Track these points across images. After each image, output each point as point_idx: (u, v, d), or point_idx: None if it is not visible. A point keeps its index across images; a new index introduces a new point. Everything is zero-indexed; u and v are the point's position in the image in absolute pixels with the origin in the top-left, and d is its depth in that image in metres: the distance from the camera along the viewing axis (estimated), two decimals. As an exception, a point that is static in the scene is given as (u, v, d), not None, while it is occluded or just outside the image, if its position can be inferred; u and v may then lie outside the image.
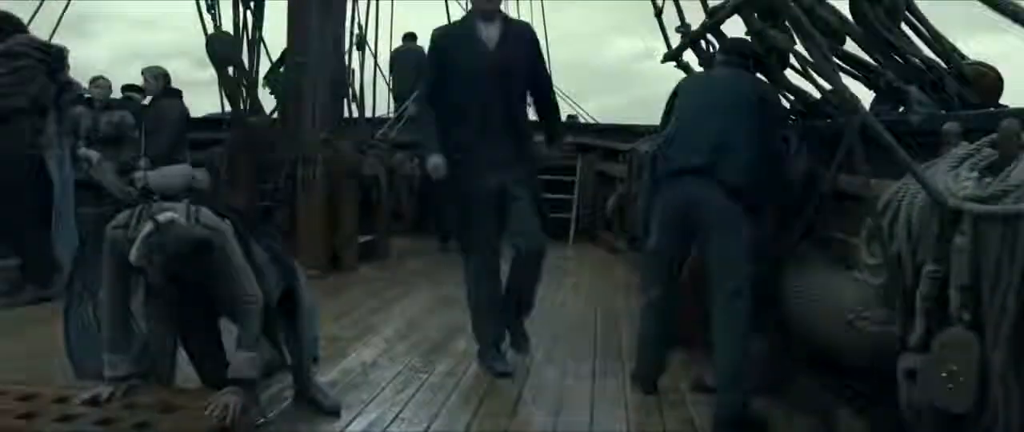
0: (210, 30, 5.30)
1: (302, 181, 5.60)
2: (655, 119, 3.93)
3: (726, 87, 3.27)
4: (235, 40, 5.39)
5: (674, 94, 3.52)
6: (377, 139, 7.13)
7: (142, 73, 5.48)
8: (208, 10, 5.29)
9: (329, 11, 5.78)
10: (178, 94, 5.68)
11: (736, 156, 3.05)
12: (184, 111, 5.54)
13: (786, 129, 3.42)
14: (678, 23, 4.21)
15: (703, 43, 4.06)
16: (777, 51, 3.45)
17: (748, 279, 2.98)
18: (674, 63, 4.48)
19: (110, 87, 6.01)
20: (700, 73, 3.90)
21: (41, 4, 5.94)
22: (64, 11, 6.21)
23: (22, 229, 4.67)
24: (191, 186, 5.36)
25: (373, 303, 4.85)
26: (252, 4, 5.61)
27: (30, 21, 6.20)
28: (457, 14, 11.60)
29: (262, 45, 6.06)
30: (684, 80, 3.63)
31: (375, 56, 8.54)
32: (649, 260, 3.37)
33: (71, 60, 4.67)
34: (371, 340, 4.01)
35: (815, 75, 3.25)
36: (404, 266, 6.54)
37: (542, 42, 3.96)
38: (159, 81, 5.39)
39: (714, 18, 3.75)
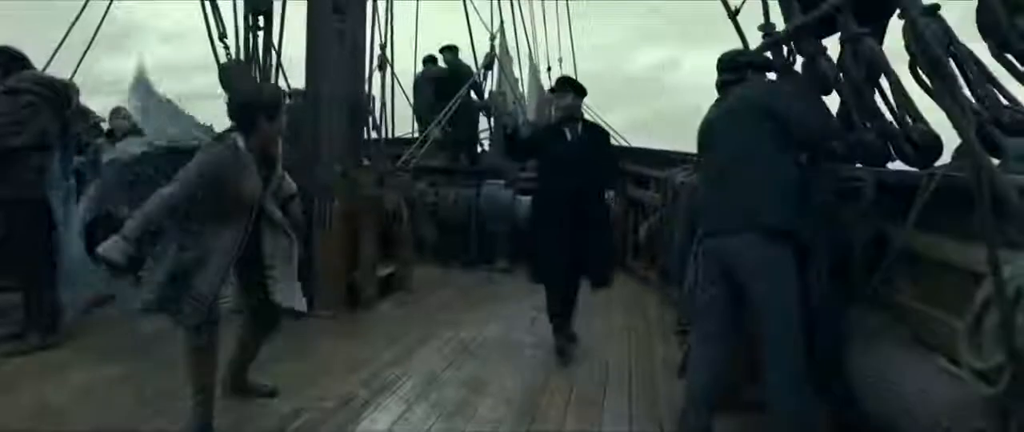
0: (223, 59, 5.05)
1: (318, 216, 5.33)
2: (681, 134, 4.02)
3: (741, 110, 3.02)
4: (246, 68, 5.12)
5: (698, 135, 3.28)
6: (398, 167, 6.82)
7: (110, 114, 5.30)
8: (220, 38, 5.04)
9: (343, 38, 5.49)
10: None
11: (767, 192, 2.83)
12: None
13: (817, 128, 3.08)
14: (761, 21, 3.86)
15: (785, 50, 3.73)
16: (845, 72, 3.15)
17: (799, 328, 2.70)
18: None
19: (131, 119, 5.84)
20: (719, 101, 3.61)
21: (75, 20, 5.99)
22: (97, 29, 6.18)
23: (27, 271, 4.46)
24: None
25: (391, 353, 4.54)
26: (263, 30, 5.34)
27: (66, 36, 6.29)
28: (479, 34, 11.47)
29: (280, 72, 5.81)
30: (709, 112, 3.31)
31: (394, 76, 8.31)
32: (701, 313, 3.10)
33: (108, 74, 4.52)
34: (387, 402, 3.70)
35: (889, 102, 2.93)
36: (426, 301, 6.25)
37: (568, 52, 4.86)
38: (128, 121, 5.19)
39: (807, 17, 3.39)
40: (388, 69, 9.20)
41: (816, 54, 3.39)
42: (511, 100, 12.09)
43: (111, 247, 2.78)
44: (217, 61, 5.09)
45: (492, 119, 11.19)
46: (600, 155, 4.65)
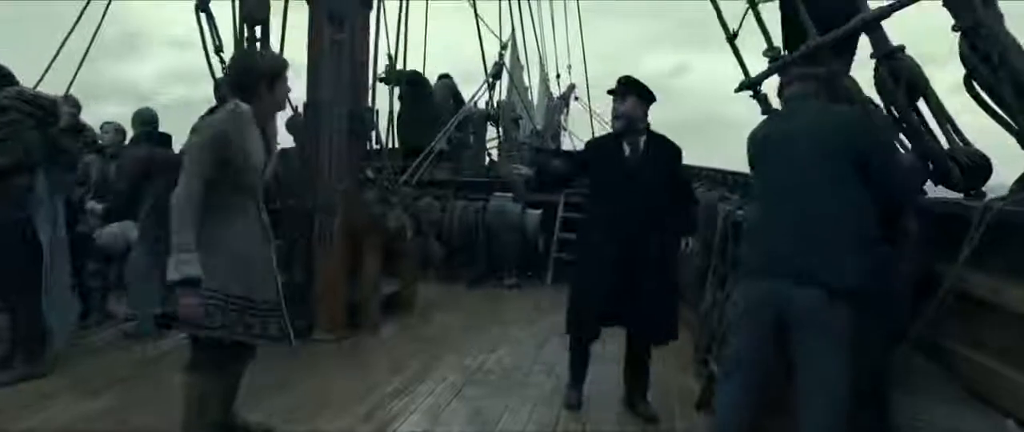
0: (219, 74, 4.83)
1: (319, 235, 5.10)
2: (690, 141, 3.75)
3: (808, 133, 2.65)
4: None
5: (750, 146, 2.99)
6: (402, 186, 6.57)
7: (101, 128, 5.09)
8: (217, 52, 4.83)
9: (342, 49, 5.27)
10: (150, 139, 5.14)
11: (838, 240, 2.48)
12: (145, 157, 4.93)
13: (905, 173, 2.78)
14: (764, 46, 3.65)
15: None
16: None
17: (846, 402, 2.40)
18: (750, 93, 3.93)
19: (124, 133, 5.67)
20: (776, 115, 3.28)
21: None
22: (94, 35, 6.02)
23: (11, 296, 4.25)
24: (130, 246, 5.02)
25: (394, 383, 4.29)
26: (259, 41, 5.13)
27: (64, 42, 6.14)
28: (489, 42, 11.31)
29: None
30: (758, 128, 3.01)
31: (401, 85, 8.10)
32: (739, 356, 2.77)
33: (118, 81, 4.37)
34: (388, 443, 3.46)
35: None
36: (431, 322, 6.01)
37: (577, 59, 4.59)
38: (116, 135, 4.99)
39: (824, 39, 3.14)
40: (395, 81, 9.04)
41: (839, 74, 3.15)
42: (519, 109, 11.89)
43: (184, 265, 2.56)
44: (212, 75, 4.87)
45: (500, 129, 11.00)
46: (668, 178, 3.75)
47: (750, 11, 3.64)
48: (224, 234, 2.74)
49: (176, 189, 2.65)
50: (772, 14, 3.61)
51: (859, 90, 3.11)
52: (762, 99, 3.98)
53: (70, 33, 6.06)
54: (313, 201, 5.15)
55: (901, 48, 3.01)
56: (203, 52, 4.86)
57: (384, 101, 7.32)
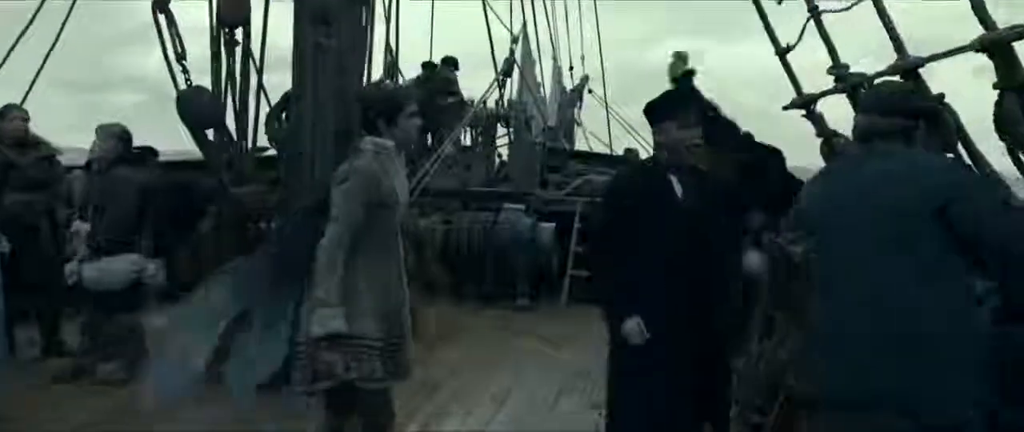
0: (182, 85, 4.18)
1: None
2: None
3: (897, 199, 1.92)
4: (207, 93, 4.25)
5: (806, 208, 2.31)
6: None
7: (96, 132, 4.38)
8: (178, 60, 4.17)
9: (329, 54, 4.59)
10: (140, 158, 4.53)
11: (937, 357, 1.82)
12: (144, 184, 4.35)
13: None
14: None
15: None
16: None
17: None
18: (802, 112, 3.27)
19: (125, 140, 5.07)
20: (844, 162, 2.57)
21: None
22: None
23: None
24: (138, 281, 4.31)
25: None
26: (239, 46, 4.49)
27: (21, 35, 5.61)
28: (499, 35, 10.64)
29: (262, 95, 4.94)
30: (817, 183, 2.33)
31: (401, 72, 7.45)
32: None
33: (129, 69, 3.78)
34: None
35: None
36: (435, 358, 5.34)
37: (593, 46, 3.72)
38: (115, 143, 4.29)
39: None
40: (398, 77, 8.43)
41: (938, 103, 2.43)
42: (531, 108, 11.26)
43: (328, 320, 2.52)
44: (175, 86, 4.23)
45: (512, 129, 10.35)
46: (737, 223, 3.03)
47: (811, 20, 2.95)
48: (370, 276, 2.68)
49: (322, 239, 2.58)
50: (839, 26, 2.90)
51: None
52: (817, 119, 3.31)
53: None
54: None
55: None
56: (164, 59, 4.19)
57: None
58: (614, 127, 14.01)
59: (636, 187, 2.94)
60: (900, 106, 2.06)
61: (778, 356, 3.92)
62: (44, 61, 6.07)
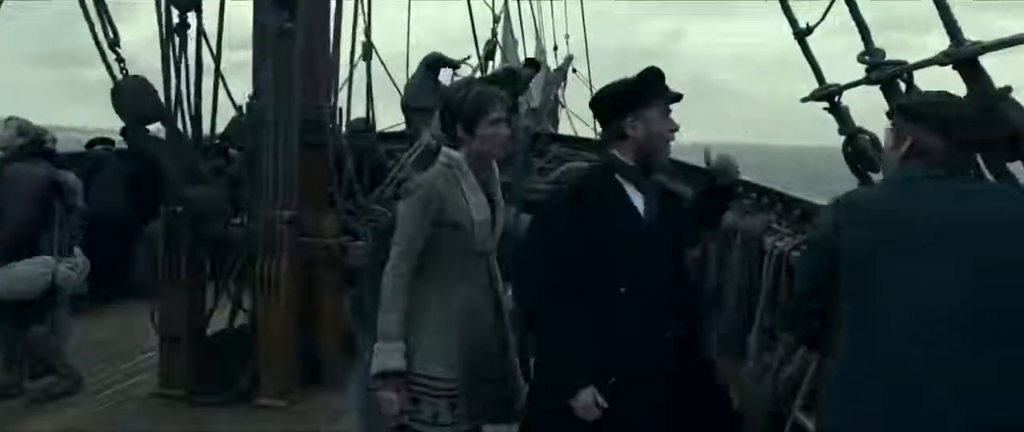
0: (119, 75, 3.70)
1: (260, 279, 4.04)
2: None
3: (996, 244, 1.55)
4: (147, 86, 3.78)
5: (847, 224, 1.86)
6: (376, 199, 5.38)
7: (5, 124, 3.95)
8: (111, 47, 3.68)
9: (292, 39, 4.14)
10: (47, 154, 4.12)
11: None
12: (47, 178, 3.97)
13: None
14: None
15: (903, 85, 2.41)
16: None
17: None
18: (825, 105, 2.89)
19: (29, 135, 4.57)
20: (910, 185, 1.97)
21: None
22: None
23: None
24: (54, 288, 3.92)
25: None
26: (191, 27, 4.02)
27: None
28: (480, 15, 10.18)
29: (221, 84, 4.46)
30: (866, 196, 1.96)
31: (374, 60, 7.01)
32: None
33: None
34: None
35: None
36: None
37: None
38: (11, 135, 3.89)
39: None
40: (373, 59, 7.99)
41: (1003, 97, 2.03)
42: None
43: (386, 357, 2.27)
44: (113, 79, 3.74)
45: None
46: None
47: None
48: (444, 306, 2.37)
49: (391, 258, 2.32)
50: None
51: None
52: (841, 116, 2.93)
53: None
54: (253, 234, 4.08)
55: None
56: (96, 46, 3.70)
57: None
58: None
59: (589, 209, 2.21)
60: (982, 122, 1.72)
61: (781, 376, 3.60)
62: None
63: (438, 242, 2.34)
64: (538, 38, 14.13)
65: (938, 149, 1.66)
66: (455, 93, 2.58)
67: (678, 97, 2.27)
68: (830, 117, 2.98)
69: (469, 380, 2.38)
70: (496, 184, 2.49)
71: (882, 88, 2.47)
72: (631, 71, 2.31)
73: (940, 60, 2.05)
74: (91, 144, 6.66)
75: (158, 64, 4.00)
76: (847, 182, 2.86)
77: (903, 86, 2.41)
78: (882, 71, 2.42)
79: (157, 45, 4.01)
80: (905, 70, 2.35)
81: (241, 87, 4.62)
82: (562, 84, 16.18)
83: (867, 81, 2.51)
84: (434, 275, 2.36)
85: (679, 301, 2.26)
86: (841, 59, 3.03)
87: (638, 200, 2.24)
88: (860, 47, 2.54)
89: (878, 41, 2.53)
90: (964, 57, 1.97)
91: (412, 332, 2.32)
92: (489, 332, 2.46)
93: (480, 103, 2.38)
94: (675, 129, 2.27)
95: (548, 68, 15.36)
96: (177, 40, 4.05)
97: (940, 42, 2.09)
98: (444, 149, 2.43)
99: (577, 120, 13.87)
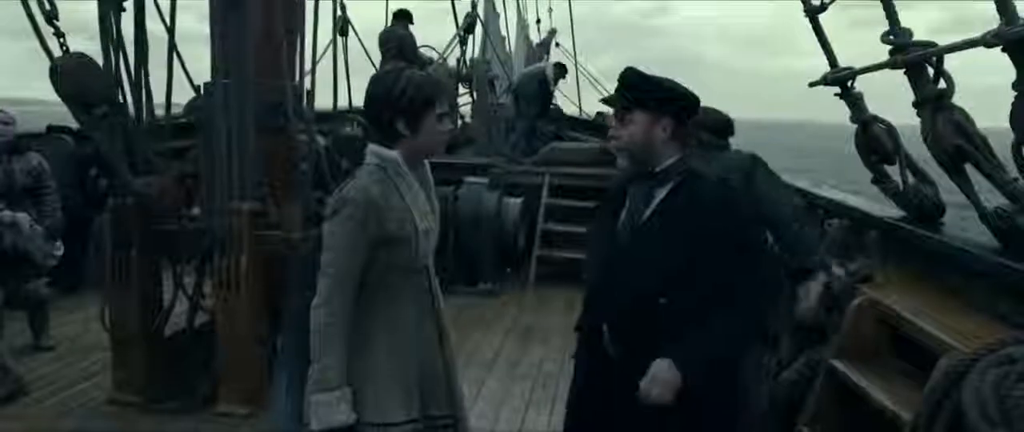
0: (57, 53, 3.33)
1: (220, 277, 3.71)
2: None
3: None
4: (98, 69, 3.42)
5: None
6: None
7: None
8: (49, 21, 3.29)
9: (249, 12, 3.77)
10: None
11: None
12: None
13: None
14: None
15: (931, 71, 2.13)
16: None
17: None
18: (838, 91, 2.63)
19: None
20: None
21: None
22: None
23: None
24: None
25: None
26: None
27: None
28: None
29: (176, 62, 4.08)
30: None
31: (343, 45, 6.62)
32: None
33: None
34: None
35: None
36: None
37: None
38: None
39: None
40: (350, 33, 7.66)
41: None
42: (496, 67, 10.52)
43: (326, 411, 1.91)
44: (49, 56, 3.37)
45: (475, 91, 9.59)
46: (716, 265, 2.00)
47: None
48: (392, 337, 2.03)
49: (314, 299, 1.94)
50: None
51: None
52: (853, 102, 2.65)
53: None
54: (207, 227, 3.75)
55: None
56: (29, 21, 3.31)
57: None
58: (582, 82, 13.37)
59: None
60: None
61: (783, 378, 3.39)
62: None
63: (377, 262, 1.98)
64: (520, 11, 13.78)
65: None
66: (390, 81, 2.04)
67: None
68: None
69: (431, 422, 2.09)
70: (430, 186, 2.13)
71: (907, 72, 2.18)
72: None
73: (987, 41, 1.75)
74: (49, 130, 6.29)
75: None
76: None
77: (930, 71, 2.13)
78: (908, 53, 2.12)
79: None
80: (936, 53, 2.05)
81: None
82: (545, 59, 15.84)
83: (891, 64, 2.21)
84: (383, 302, 2.02)
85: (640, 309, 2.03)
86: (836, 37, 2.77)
87: (628, 201, 2.14)
88: (867, 24, 2.27)
89: (863, 14, 2.25)
90: (1018, 37, 1.67)
91: (359, 375, 1.97)
92: (438, 364, 2.14)
93: (426, 95, 2.01)
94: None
95: (531, 44, 15.00)
96: (117, 7, 3.65)
97: (938, 16, 1.79)
98: (373, 147, 2.04)
99: (562, 97, 13.60)
